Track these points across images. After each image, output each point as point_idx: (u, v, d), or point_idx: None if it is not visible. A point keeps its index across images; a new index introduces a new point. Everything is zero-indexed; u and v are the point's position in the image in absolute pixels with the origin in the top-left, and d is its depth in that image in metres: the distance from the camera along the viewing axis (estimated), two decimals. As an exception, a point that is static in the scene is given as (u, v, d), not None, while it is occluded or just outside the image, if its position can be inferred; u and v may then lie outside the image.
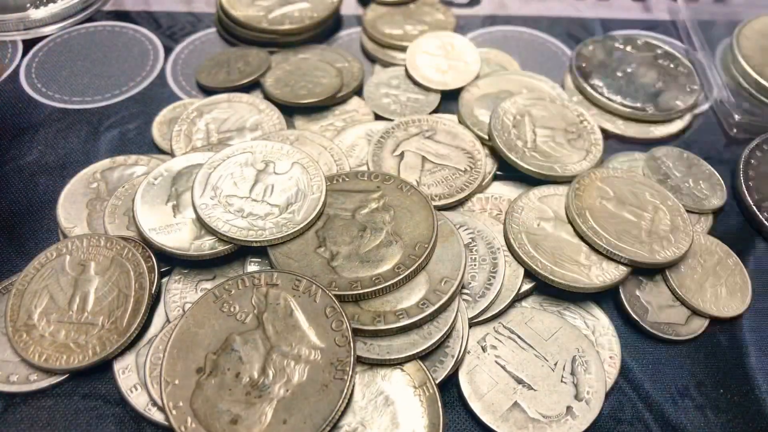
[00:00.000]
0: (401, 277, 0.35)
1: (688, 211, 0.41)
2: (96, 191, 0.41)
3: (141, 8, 0.57)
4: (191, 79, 0.51)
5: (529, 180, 0.43)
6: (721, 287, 0.39)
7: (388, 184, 0.40)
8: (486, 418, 0.33)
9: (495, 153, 0.44)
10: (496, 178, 0.44)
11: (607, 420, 0.35)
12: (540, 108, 0.46)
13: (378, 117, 0.48)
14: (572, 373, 0.35)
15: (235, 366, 0.32)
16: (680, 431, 0.35)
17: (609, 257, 0.38)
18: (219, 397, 0.31)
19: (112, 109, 0.49)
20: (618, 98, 0.49)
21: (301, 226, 0.37)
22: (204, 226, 0.37)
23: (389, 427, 0.32)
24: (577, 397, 0.34)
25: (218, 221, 0.37)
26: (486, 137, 0.45)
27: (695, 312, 0.38)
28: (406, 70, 0.51)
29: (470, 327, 0.36)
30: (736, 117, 0.49)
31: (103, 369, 0.35)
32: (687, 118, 0.50)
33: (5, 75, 0.51)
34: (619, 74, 0.51)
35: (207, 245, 0.37)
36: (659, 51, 0.53)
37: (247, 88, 0.48)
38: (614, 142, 0.48)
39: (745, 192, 0.45)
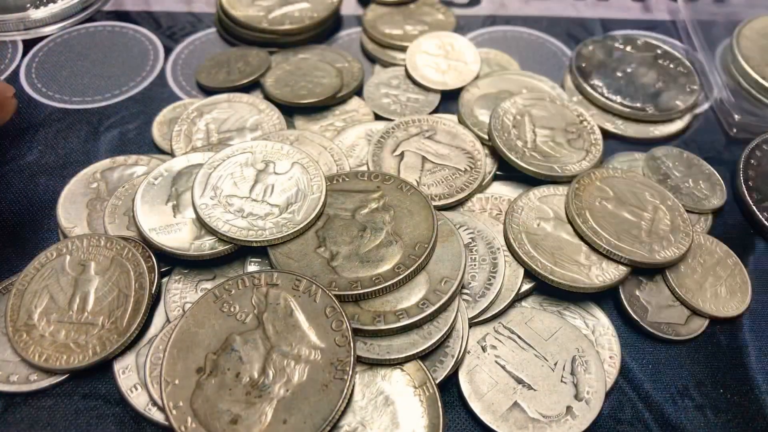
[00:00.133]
0: (401, 277, 0.35)
1: (688, 211, 0.41)
2: (96, 191, 0.41)
3: (141, 8, 0.57)
4: (191, 79, 0.51)
5: (529, 180, 0.43)
6: (721, 287, 0.39)
7: (388, 184, 0.40)
8: (486, 418, 0.34)
9: (495, 153, 0.44)
10: (496, 178, 0.44)
11: (607, 420, 0.35)
12: (540, 108, 0.46)
13: (378, 117, 0.48)
14: (572, 373, 0.35)
15: (235, 366, 0.32)
16: (680, 431, 0.35)
17: (609, 257, 0.38)
18: (219, 397, 0.31)
19: (112, 109, 0.49)
20: (618, 98, 0.49)
21: (301, 226, 0.37)
22: (204, 226, 0.37)
23: (389, 427, 0.32)
24: (577, 397, 0.34)
25: (218, 221, 0.37)
26: (486, 137, 0.45)
27: (695, 312, 0.38)
28: (406, 70, 0.51)
29: (470, 327, 0.36)
30: (736, 117, 0.49)
31: (103, 369, 0.35)
32: (687, 118, 0.50)
33: (5, 75, 0.51)
34: (619, 74, 0.51)
35: (207, 245, 0.37)
36: (659, 51, 0.53)
37: (247, 88, 0.49)
38: (614, 142, 0.48)
39: (745, 192, 0.45)
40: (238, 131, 0.45)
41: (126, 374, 0.34)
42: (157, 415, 0.33)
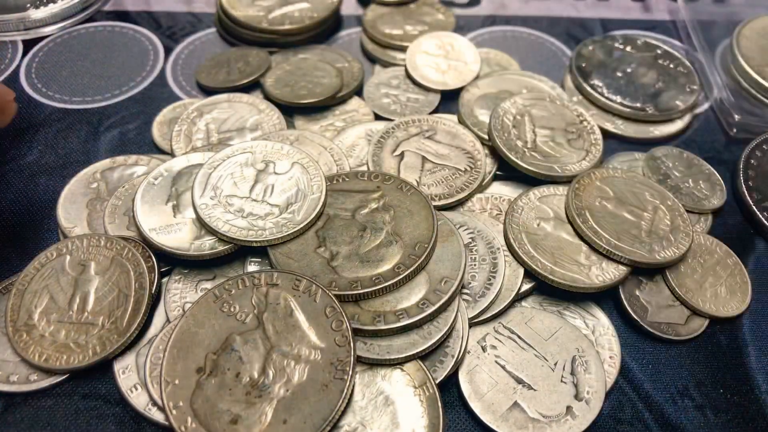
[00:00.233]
0: (401, 277, 0.35)
1: (687, 211, 0.41)
2: (96, 191, 0.41)
3: (141, 8, 0.57)
4: (191, 79, 0.51)
5: (529, 180, 0.43)
6: (720, 287, 0.39)
7: (388, 184, 0.40)
8: (486, 418, 0.33)
9: (495, 153, 0.44)
10: (496, 178, 0.44)
11: (607, 420, 0.35)
12: (540, 108, 0.46)
13: (378, 117, 0.48)
14: (572, 373, 0.35)
15: (235, 366, 0.32)
16: (680, 431, 0.35)
17: (609, 257, 0.38)
18: (219, 397, 0.31)
19: (112, 109, 0.49)
20: (618, 98, 0.49)
21: (301, 226, 0.37)
22: (204, 226, 0.37)
23: (389, 427, 0.32)
24: (577, 396, 0.34)
25: (218, 221, 0.37)
26: (486, 137, 0.45)
27: (695, 312, 0.38)
28: (406, 70, 0.51)
29: (470, 327, 0.36)
30: (736, 117, 0.49)
31: (103, 369, 0.35)
32: (687, 118, 0.50)
33: (5, 75, 0.51)
34: (619, 74, 0.51)
35: (207, 245, 0.37)
36: (659, 51, 0.53)
37: (247, 88, 0.49)
38: (614, 142, 0.48)
39: (745, 192, 0.45)
40: (238, 131, 0.45)
41: (126, 374, 0.34)
42: (157, 415, 0.33)
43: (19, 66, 0.51)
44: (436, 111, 0.48)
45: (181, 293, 0.37)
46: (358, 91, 0.50)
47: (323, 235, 0.37)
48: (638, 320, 0.38)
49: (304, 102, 0.47)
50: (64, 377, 0.34)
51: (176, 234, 0.37)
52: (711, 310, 0.38)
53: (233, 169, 0.40)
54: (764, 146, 0.47)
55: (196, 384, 0.32)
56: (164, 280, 0.38)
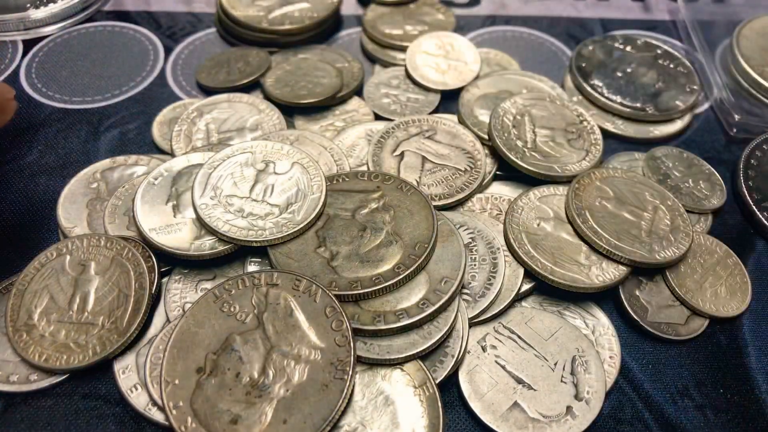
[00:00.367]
0: (401, 277, 0.35)
1: (687, 210, 0.41)
2: (96, 191, 0.41)
3: (141, 8, 0.57)
4: (191, 79, 0.51)
5: (529, 180, 0.43)
6: (721, 287, 0.39)
7: (388, 184, 0.40)
8: (486, 418, 0.34)
9: (495, 153, 0.44)
10: (496, 178, 0.44)
11: (607, 420, 0.35)
12: (540, 108, 0.46)
13: (378, 117, 0.48)
14: (572, 373, 0.35)
15: (235, 366, 0.32)
16: (680, 431, 0.35)
17: (609, 257, 0.38)
18: (219, 397, 0.31)
19: (112, 109, 0.49)
20: (618, 98, 0.49)
21: (301, 226, 0.37)
22: (204, 226, 0.37)
23: (389, 427, 0.32)
24: (577, 396, 0.34)
25: (218, 221, 0.37)
26: (486, 137, 0.45)
27: (695, 312, 0.38)
28: (406, 70, 0.51)
29: (470, 327, 0.36)
30: (736, 117, 0.49)
31: (103, 369, 0.35)
32: (687, 118, 0.50)
33: (5, 75, 0.51)
34: (619, 74, 0.51)
35: (207, 245, 0.37)
36: (659, 51, 0.53)
37: (247, 88, 0.49)
38: (614, 142, 0.48)
39: (745, 192, 0.45)
40: (238, 131, 0.45)
41: (126, 374, 0.34)
42: (157, 415, 0.33)
43: (19, 66, 0.51)
44: (436, 111, 0.48)
45: (181, 293, 0.37)
46: (358, 91, 0.50)
47: (323, 235, 0.37)
48: (638, 320, 0.38)
49: (304, 102, 0.47)
50: (64, 377, 0.34)
51: (176, 234, 0.37)
52: (711, 310, 0.38)
53: (233, 169, 0.40)
54: (764, 146, 0.47)
55: (196, 384, 0.32)
56: (164, 280, 0.38)
